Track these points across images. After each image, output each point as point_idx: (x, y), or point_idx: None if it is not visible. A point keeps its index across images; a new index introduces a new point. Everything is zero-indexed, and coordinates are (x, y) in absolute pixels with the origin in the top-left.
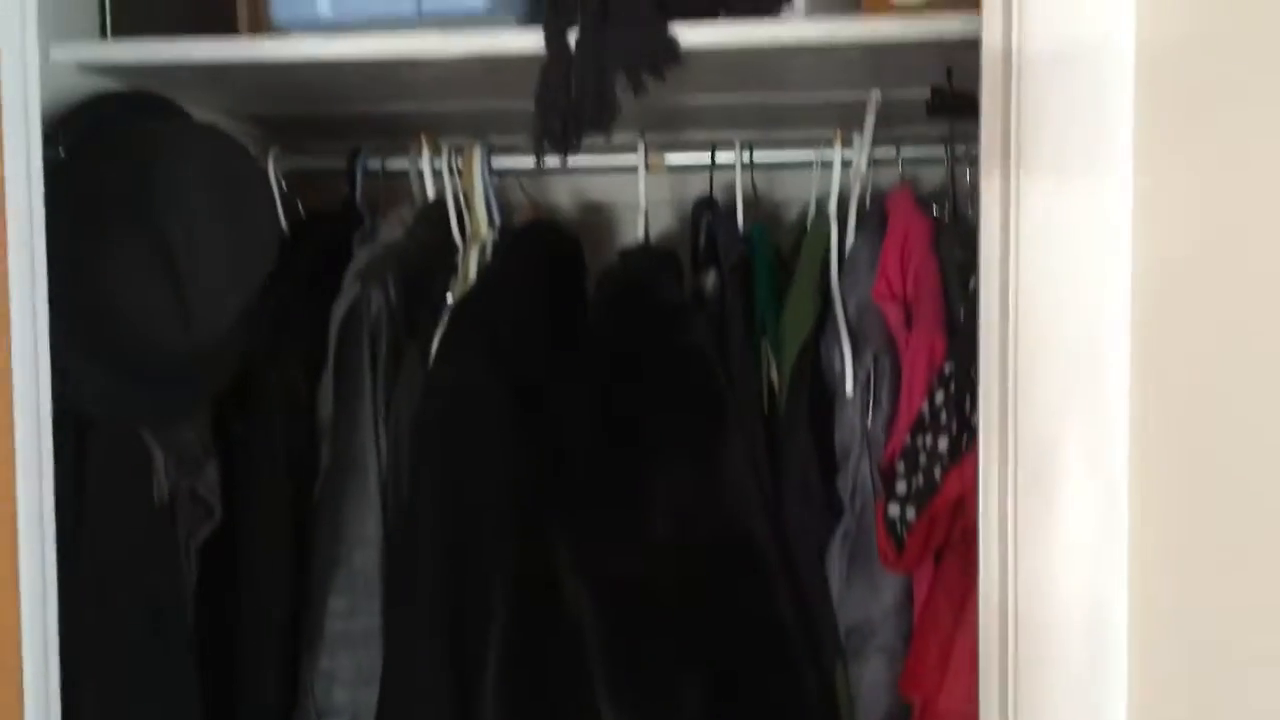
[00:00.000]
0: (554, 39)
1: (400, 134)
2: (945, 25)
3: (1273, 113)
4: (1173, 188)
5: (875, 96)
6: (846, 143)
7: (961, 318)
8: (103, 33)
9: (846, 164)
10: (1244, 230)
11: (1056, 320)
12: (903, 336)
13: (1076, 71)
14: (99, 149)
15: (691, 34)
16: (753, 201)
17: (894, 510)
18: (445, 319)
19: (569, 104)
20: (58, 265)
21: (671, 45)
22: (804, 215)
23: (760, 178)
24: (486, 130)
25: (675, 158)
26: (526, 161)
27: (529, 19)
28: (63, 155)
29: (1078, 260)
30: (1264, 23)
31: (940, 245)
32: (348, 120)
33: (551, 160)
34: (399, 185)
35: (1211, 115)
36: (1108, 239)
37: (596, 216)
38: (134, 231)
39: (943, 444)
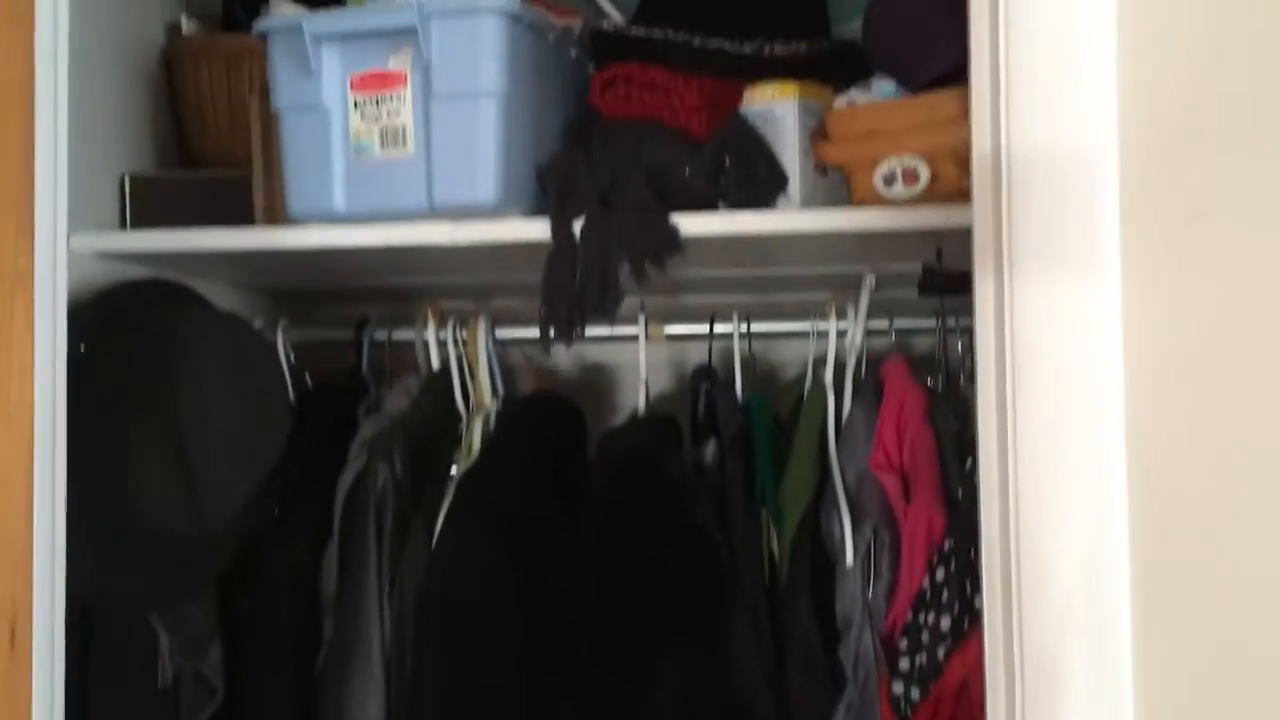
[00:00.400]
0: (560, 229)
1: (406, 301)
2: (935, 217)
3: (1255, 214)
4: (1160, 291)
5: (869, 280)
6: (840, 313)
7: (959, 493)
8: (122, 223)
9: (841, 334)
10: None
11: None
12: (901, 508)
13: (1063, 176)
14: (117, 341)
15: (691, 224)
16: (750, 364)
17: (898, 688)
18: (450, 493)
19: (574, 292)
20: (75, 454)
21: (673, 235)
22: (801, 376)
23: (758, 342)
24: (489, 295)
25: (674, 328)
26: (530, 331)
27: (535, 210)
28: (83, 350)
29: (1072, 373)
30: (1243, 126)
31: (935, 416)
32: (356, 290)
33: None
34: (405, 352)
35: (1194, 217)
36: (1100, 345)
37: (597, 377)
38: (149, 422)
39: (945, 623)
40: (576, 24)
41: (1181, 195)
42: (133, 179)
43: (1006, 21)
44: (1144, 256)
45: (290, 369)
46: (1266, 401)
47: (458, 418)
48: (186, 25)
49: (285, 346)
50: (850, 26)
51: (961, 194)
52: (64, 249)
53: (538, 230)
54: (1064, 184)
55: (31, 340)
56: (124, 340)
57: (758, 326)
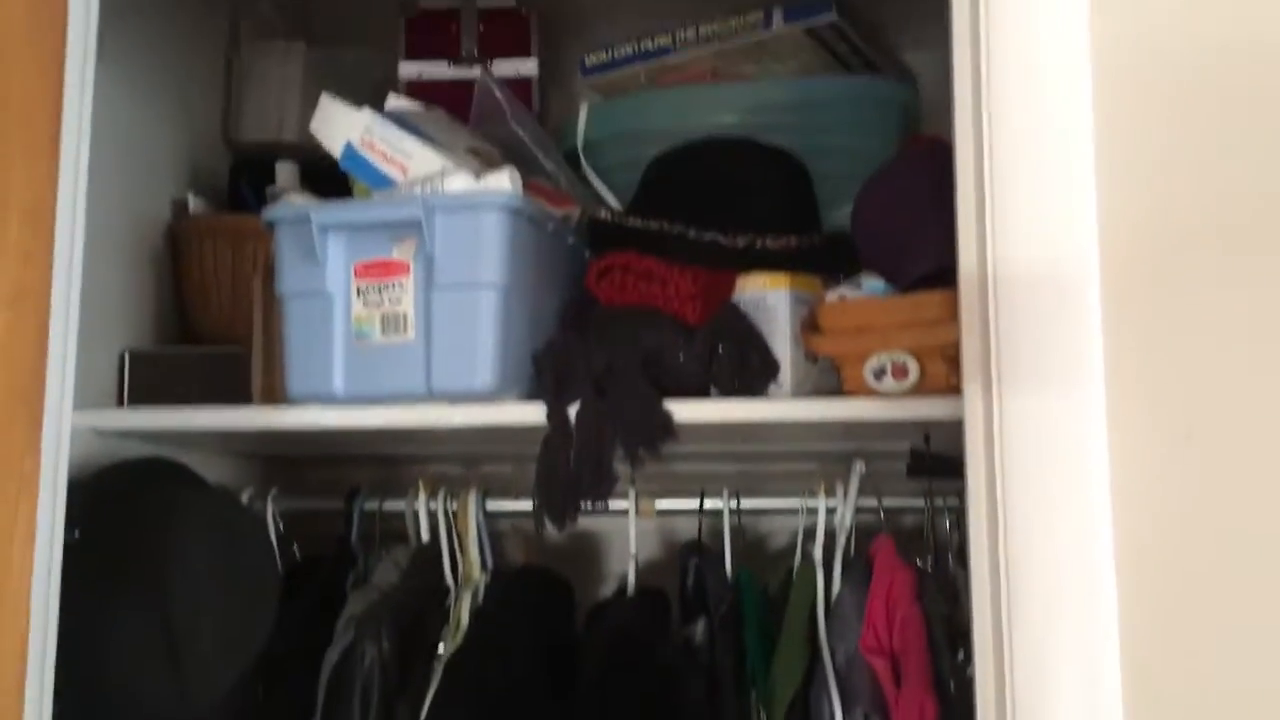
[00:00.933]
0: (555, 414)
1: (396, 465)
2: (923, 409)
3: (1227, 329)
4: (1142, 404)
5: (859, 467)
6: (829, 492)
7: (949, 678)
8: (120, 397)
9: (831, 511)
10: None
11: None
12: (892, 693)
13: (1048, 293)
14: (110, 525)
15: (685, 410)
16: (739, 532)
17: None
18: (437, 676)
19: (568, 478)
20: (64, 635)
21: (666, 422)
22: (789, 547)
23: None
24: (479, 462)
25: (664, 503)
26: (520, 504)
27: (530, 393)
28: (76, 536)
29: (1061, 498)
30: (1217, 245)
31: (924, 596)
32: (346, 456)
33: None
34: (395, 519)
35: (1172, 333)
36: (1086, 455)
37: (586, 544)
38: (139, 605)
39: None
40: (574, 212)
41: (1163, 311)
42: (133, 354)
43: (991, 146)
44: (1126, 367)
45: (279, 537)
46: (1262, 562)
47: (446, 591)
48: (193, 203)
49: (274, 516)
50: (841, 213)
51: (950, 388)
52: (66, 441)
53: (533, 414)
54: (1049, 300)
55: (33, 544)
56: (117, 523)
57: (747, 503)
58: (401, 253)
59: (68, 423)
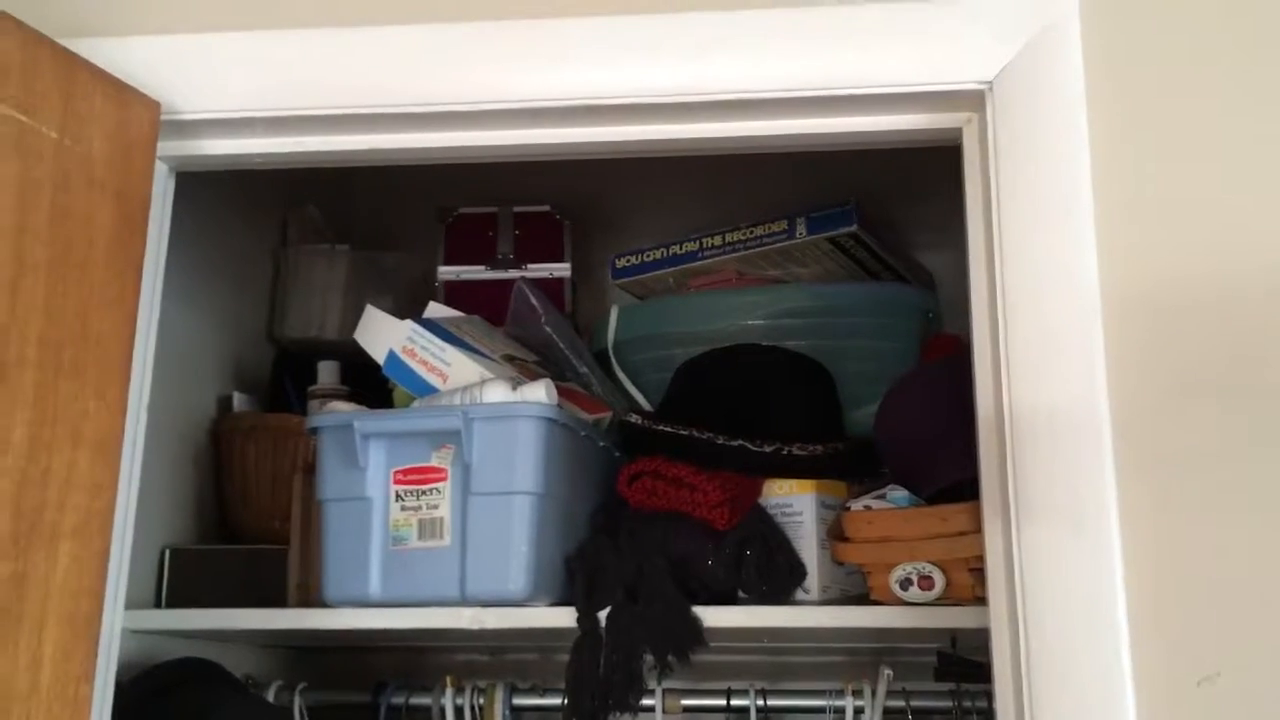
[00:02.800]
0: (586, 619)
1: (421, 653)
2: (949, 618)
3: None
4: (1155, 539)
5: (886, 674)
6: (857, 692)
7: None
8: (158, 592)
9: (859, 710)
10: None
11: None
12: None
13: (1062, 433)
14: None
15: (714, 616)
16: None
17: None
18: None
19: (598, 683)
20: None
21: (696, 628)
22: None
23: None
24: (504, 651)
25: (691, 700)
26: (548, 700)
27: (562, 598)
28: None
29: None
30: (1214, 383)
31: None
32: (373, 644)
33: None
34: (421, 712)
35: (1182, 471)
36: (1103, 583)
37: None
38: None
39: None
40: (606, 417)
41: (1166, 449)
42: (173, 552)
43: (1005, 303)
44: (1139, 501)
45: None
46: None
47: None
48: (238, 401)
49: (301, 710)
50: (864, 412)
51: (976, 599)
52: (115, 660)
53: (564, 618)
54: (1061, 438)
55: None
56: None
57: (774, 701)
58: (440, 459)
59: (116, 645)
